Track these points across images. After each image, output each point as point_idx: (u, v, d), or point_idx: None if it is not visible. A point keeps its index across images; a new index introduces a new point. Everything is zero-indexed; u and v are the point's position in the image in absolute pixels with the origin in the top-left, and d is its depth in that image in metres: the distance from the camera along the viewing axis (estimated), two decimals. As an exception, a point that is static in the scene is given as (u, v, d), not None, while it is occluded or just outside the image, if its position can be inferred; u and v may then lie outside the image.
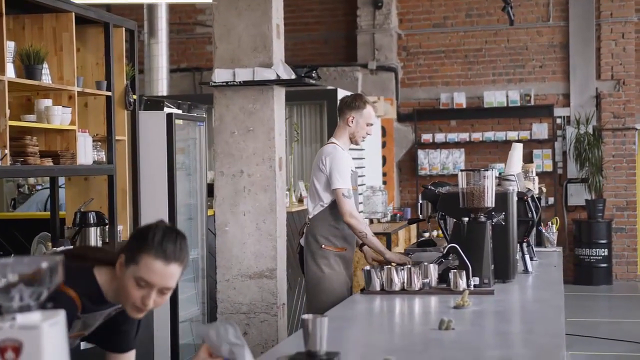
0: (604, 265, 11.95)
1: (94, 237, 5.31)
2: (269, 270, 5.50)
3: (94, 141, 5.38)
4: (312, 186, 5.20)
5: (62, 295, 2.49)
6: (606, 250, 11.94)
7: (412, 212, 11.59)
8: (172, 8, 12.40)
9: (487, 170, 4.31)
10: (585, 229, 12.00)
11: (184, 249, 2.58)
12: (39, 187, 8.30)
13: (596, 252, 11.91)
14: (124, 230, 5.73)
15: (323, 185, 5.06)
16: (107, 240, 5.49)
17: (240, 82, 5.41)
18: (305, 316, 2.70)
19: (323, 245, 5.08)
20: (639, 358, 7.85)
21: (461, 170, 4.34)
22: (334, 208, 5.05)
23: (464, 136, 12.50)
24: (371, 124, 5.20)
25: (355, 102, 5.18)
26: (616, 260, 12.19)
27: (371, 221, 9.97)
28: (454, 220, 4.42)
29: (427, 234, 9.77)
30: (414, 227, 10.65)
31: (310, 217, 5.20)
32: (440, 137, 12.57)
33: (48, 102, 4.88)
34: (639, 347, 8.10)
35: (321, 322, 2.69)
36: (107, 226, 5.46)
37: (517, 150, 5.49)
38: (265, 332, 5.54)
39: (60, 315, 1.74)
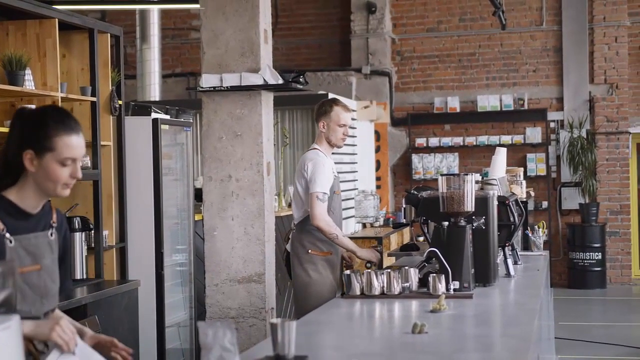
0: (598, 269, 11.96)
1: (79, 242, 5.32)
2: (257, 275, 5.51)
3: (79, 146, 5.39)
4: (295, 192, 5.27)
5: None
6: (600, 254, 11.94)
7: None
8: (166, 13, 12.43)
9: (467, 174, 4.32)
10: (579, 232, 12.01)
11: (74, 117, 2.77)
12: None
13: (590, 255, 11.92)
14: (109, 236, 5.75)
15: (306, 190, 5.13)
16: (92, 245, 5.50)
17: (227, 87, 5.43)
18: (273, 320, 2.72)
19: (310, 250, 5.13)
20: (629, 362, 7.86)
21: (441, 175, 4.36)
22: None
23: (458, 140, 12.51)
24: (344, 125, 5.24)
25: (323, 107, 5.28)
26: (610, 264, 12.20)
27: (364, 225, 9.99)
28: (435, 224, 4.43)
29: (421, 239, 9.78)
30: (407, 231, 10.66)
31: (295, 222, 5.24)
32: (434, 141, 12.58)
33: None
34: (630, 351, 8.11)
35: (289, 327, 2.70)
36: (92, 231, 5.48)
37: (501, 155, 5.51)
38: (254, 337, 5.54)
39: (13, 320, 1.75)
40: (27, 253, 2.66)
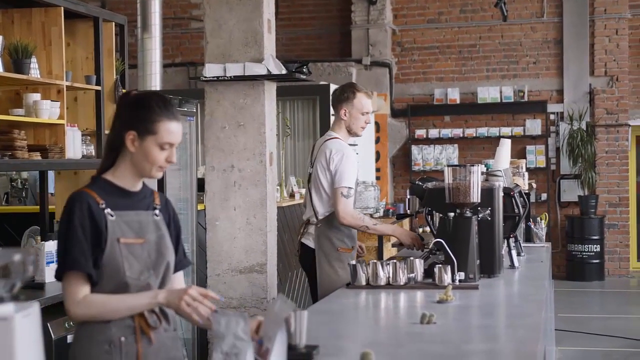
0: (596, 261, 11.99)
1: (83, 231, 5.31)
2: (259, 265, 5.51)
3: (83, 135, 5.39)
4: (318, 185, 5.04)
5: (74, 193, 2.78)
6: (598, 246, 11.97)
7: (405, 207, 11.59)
8: (167, 3, 12.40)
9: (473, 165, 4.32)
10: (577, 224, 12.03)
11: (176, 105, 2.90)
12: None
13: (588, 248, 11.95)
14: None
15: (331, 184, 4.94)
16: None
17: (230, 77, 5.42)
18: (285, 310, 2.72)
19: (339, 249, 5.00)
20: (628, 353, 7.88)
21: (447, 166, 4.35)
22: None
23: (458, 132, 12.52)
24: (366, 112, 5.05)
25: (344, 93, 5.06)
26: (608, 256, 12.23)
27: (364, 216, 9.99)
28: (440, 215, 4.44)
29: (420, 230, 9.78)
30: (406, 222, 10.67)
31: (319, 217, 5.03)
32: (434, 132, 12.59)
33: (36, 96, 4.89)
34: (629, 343, 8.13)
35: (300, 316, 2.71)
36: (96, 220, 5.47)
37: (505, 146, 5.51)
38: (255, 327, 5.55)
39: (34, 307, 1.76)
40: (130, 227, 2.79)
